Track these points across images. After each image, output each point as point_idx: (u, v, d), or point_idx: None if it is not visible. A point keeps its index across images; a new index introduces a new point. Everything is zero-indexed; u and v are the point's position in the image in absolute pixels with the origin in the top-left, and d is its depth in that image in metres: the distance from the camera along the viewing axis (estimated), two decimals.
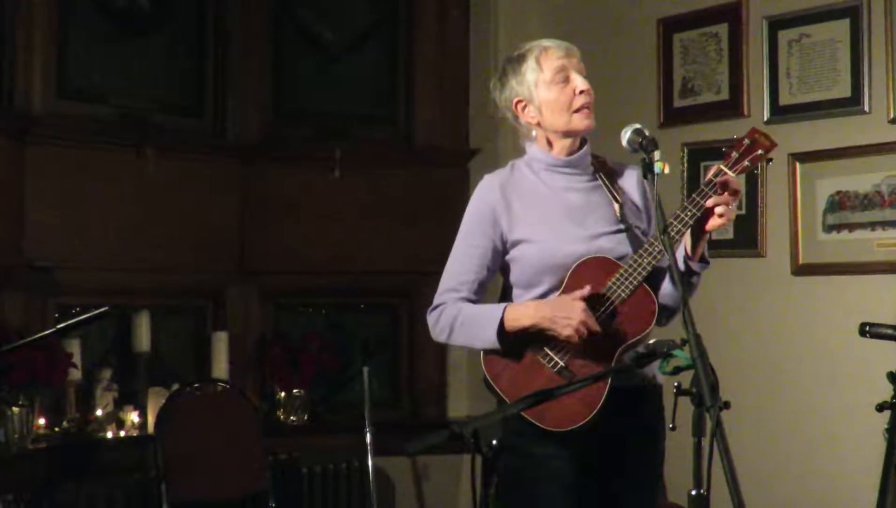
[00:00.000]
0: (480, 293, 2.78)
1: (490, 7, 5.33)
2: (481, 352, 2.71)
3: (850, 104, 4.18)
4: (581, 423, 2.59)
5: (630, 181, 2.81)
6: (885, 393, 3.14)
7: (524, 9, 5.31)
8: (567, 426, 2.60)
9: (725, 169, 2.59)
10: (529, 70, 2.72)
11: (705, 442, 2.07)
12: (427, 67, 5.35)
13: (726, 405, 2.06)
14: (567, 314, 2.57)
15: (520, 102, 2.76)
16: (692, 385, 2.10)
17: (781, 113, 4.38)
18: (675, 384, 2.17)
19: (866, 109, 4.14)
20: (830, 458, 4.18)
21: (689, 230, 2.60)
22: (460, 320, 2.72)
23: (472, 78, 5.37)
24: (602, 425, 2.62)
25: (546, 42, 2.75)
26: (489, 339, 2.66)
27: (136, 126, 4.72)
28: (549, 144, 2.77)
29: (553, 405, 2.53)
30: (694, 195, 2.58)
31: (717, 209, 2.56)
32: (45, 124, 4.43)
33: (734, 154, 2.62)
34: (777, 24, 4.40)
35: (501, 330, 2.64)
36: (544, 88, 2.71)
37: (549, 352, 2.65)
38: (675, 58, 4.75)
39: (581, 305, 2.57)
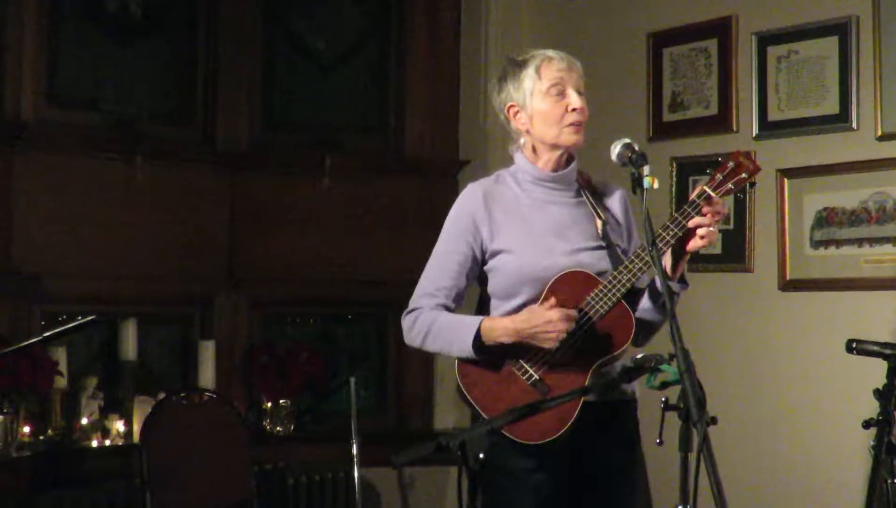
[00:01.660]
0: (458, 302, 2.79)
1: (481, 19, 5.34)
2: (456, 360, 2.72)
3: (838, 121, 4.20)
4: (552, 437, 2.59)
5: (613, 200, 2.83)
6: (871, 410, 3.14)
7: (515, 21, 5.33)
8: (538, 440, 2.60)
9: (709, 190, 2.60)
10: (528, 77, 2.73)
11: (692, 457, 2.07)
12: (418, 78, 5.36)
13: (713, 420, 2.06)
14: (546, 328, 2.57)
15: (512, 106, 2.76)
16: (679, 400, 2.10)
17: (770, 128, 4.39)
18: (663, 398, 2.17)
19: (854, 125, 4.16)
20: (817, 474, 4.18)
21: (670, 250, 2.61)
22: (436, 326, 2.72)
23: (463, 89, 5.38)
24: (579, 439, 2.63)
25: (550, 52, 2.76)
26: (465, 349, 2.66)
27: (125, 133, 4.71)
28: (535, 153, 2.78)
29: (527, 418, 2.54)
30: (676, 215, 2.60)
31: (700, 230, 2.57)
32: (34, 131, 4.41)
33: (718, 176, 2.63)
34: (766, 40, 4.42)
35: (478, 341, 2.65)
36: (539, 98, 2.72)
37: (525, 364, 2.66)
38: (664, 72, 4.77)
39: (554, 313, 2.56)
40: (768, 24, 4.42)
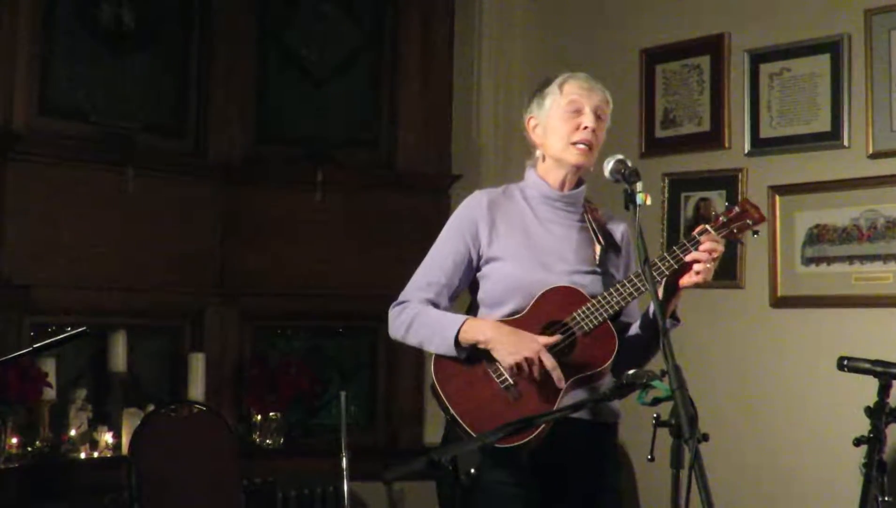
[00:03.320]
0: (448, 302, 2.80)
1: (474, 34, 5.35)
2: (433, 355, 2.73)
3: (830, 138, 4.21)
4: (516, 444, 2.57)
5: (615, 232, 2.86)
6: (862, 428, 3.14)
7: (508, 36, 5.34)
8: (502, 444, 2.57)
9: (711, 230, 2.62)
10: (550, 94, 2.79)
11: (683, 474, 2.07)
12: (410, 92, 5.36)
13: (705, 437, 2.06)
14: (516, 349, 2.58)
15: (532, 119, 2.83)
16: (671, 417, 2.10)
17: (761, 145, 4.41)
18: (654, 415, 2.17)
19: (846, 143, 4.17)
20: (807, 492, 4.18)
21: (664, 285, 2.64)
22: (420, 320, 2.75)
23: (456, 104, 5.39)
24: (562, 456, 2.64)
25: (576, 73, 2.82)
26: (445, 344, 2.67)
27: (117, 145, 4.70)
28: (547, 170, 2.80)
29: (495, 419, 2.53)
30: (674, 248, 2.61)
31: (696, 266, 2.59)
32: (26, 141, 4.40)
33: (722, 218, 2.66)
34: (759, 58, 4.43)
35: (458, 340, 2.66)
36: (556, 113, 2.76)
37: (501, 367, 2.66)
38: (657, 88, 4.78)
39: (539, 346, 2.58)
40: (761, 41, 4.43)
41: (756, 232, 2.68)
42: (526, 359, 2.58)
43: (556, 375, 2.58)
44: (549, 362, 2.58)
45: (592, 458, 2.73)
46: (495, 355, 2.64)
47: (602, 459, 2.76)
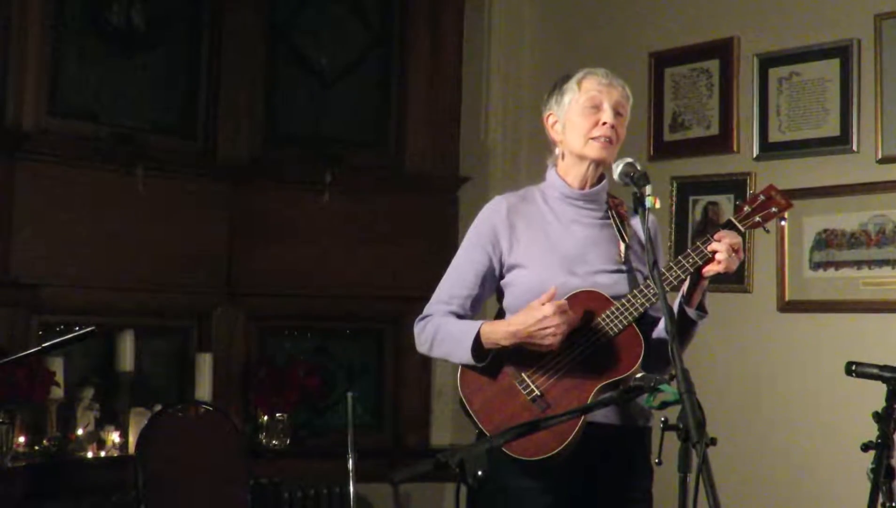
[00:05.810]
0: (473, 310, 2.78)
1: (483, 36, 5.36)
2: (458, 370, 2.71)
3: (839, 143, 4.21)
4: (547, 455, 2.56)
5: (641, 226, 2.81)
6: (870, 433, 3.13)
7: (518, 39, 5.34)
8: (532, 456, 2.58)
9: (735, 222, 2.60)
10: (569, 90, 2.75)
11: (691, 478, 2.07)
12: (419, 94, 5.37)
13: (713, 441, 2.05)
14: (542, 324, 2.55)
15: (551, 115, 2.79)
16: (679, 421, 2.09)
17: (770, 150, 4.40)
18: (662, 419, 2.16)
19: (855, 148, 4.17)
20: (815, 497, 4.17)
21: (688, 279, 2.60)
22: (441, 332, 2.73)
23: (464, 106, 5.39)
24: (589, 463, 2.61)
25: (595, 69, 2.78)
26: (464, 356, 2.66)
27: (126, 145, 4.70)
28: (567, 168, 2.78)
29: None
30: (698, 243, 2.59)
31: (717, 255, 2.56)
32: (35, 141, 4.42)
33: (746, 208, 2.62)
34: (768, 62, 4.43)
35: (477, 347, 2.64)
36: (575, 109, 2.73)
37: (527, 379, 2.64)
38: (665, 92, 4.78)
39: (548, 308, 2.54)
40: (770, 45, 4.43)
41: (784, 219, 2.65)
42: (556, 327, 2.54)
43: (564, 304, 2.56)
44: (563, 305, 2.55)
45: (621, 463, 2.69)
46: (533, 347, 2.59)
47: (631, 464, 2.72)
